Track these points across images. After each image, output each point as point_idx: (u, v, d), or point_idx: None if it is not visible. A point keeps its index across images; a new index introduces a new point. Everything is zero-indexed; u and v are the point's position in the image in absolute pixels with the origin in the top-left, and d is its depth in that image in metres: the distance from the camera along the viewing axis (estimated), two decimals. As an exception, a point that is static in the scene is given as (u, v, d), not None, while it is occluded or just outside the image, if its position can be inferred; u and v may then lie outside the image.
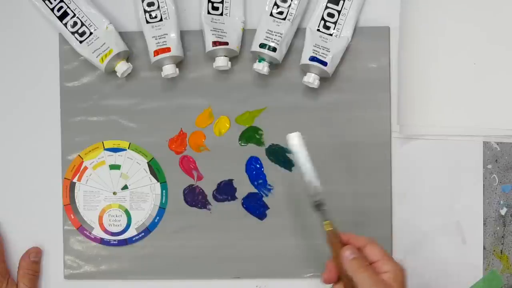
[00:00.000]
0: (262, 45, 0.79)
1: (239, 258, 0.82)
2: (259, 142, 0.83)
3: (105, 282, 0.83)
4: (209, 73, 0.83)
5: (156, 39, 0.79)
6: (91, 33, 0.80)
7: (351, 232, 0.80)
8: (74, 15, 0.81)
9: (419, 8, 0.82)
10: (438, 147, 0.82)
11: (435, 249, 0.82)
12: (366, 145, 0.82)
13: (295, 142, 0.74)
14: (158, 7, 0.80)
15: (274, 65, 0.81)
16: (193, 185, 0.83)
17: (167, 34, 0.79)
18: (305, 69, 0.81)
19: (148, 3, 0.80)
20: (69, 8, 0.81)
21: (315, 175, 0.74)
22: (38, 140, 0.84)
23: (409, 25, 0.82)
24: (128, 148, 0.83)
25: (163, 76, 0.80)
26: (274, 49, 0.79)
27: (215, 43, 0.79)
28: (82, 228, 0.83)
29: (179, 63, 0.82)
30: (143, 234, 0.83)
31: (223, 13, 0.82)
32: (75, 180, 0.84)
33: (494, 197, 0.82)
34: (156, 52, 0.79)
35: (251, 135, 0.83)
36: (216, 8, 0.81)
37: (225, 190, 0.83)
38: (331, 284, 0.73)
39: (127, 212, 0.83)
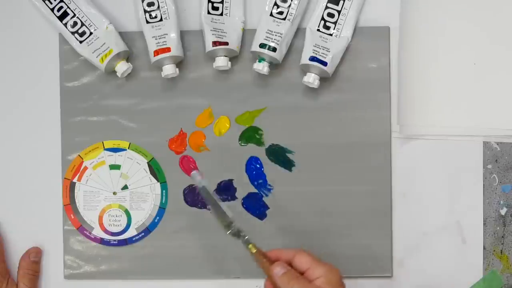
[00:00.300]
0: (262, 45, 0.79)
1: (239, 258, 0.82)
2: (259, 142, 0.83)
3: (105, 282, 0.83)
4: (209, 73, 0.83)
5: (156, 39, 0.79)
6: (91, 33, 0.80)
7: (351, 232, 0.81)
8: (74, 15, 0.81)
9: (419, 8, 0.82)
10: (438, 147, 0.82)
11: (435, 249, 0.82)
12: (366, 145, 0.82)
13: (198, 179, 0.74)
14: (158, 7, 0.80)
15: (274, 65, 0.81)
16: (193, 185, 0.83)
17: (167, 34, 0.79)
18: (305, 69, 0.81)
19: (148, 3, 0.80)
20: (69, 8, 0.81)
21: (225, 206, 0.74)
22: (38, 140, 0.84)
23: (409, 25, 0.82)
24: (128, 148, 0.83)
25: (163, 76, 0.80)
26: (274, 49, 0.79)
27: (215, 43, 0.79)
28: (82, 228, 0.83)
29: (179, 63, 0.82)
30: (143, 234, 0.83)
31: (223, 13, 0.82)
32: (75, 180, 0.84)
33: (494, 197, 0.82)
34: (156, 52, 0.79)
35: (251, 135, 0.83)
36: (216, 8, 0.81)
37: (225, 190, 0.83)
38: None
39: (127, 212, 0.83)
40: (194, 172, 0.75)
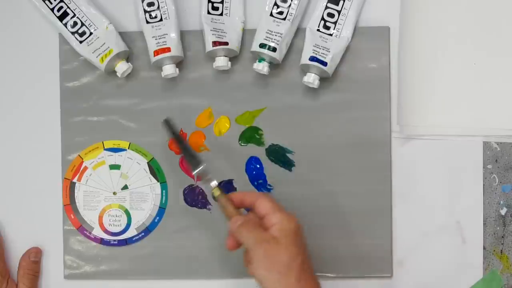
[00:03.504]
0: (262, 45, 0.79)
1: (239, 258, 0.82)
2: (259, 142, 0.83)
3: (105, 282, 0.83)
4: (209, 73, 0.83)
5: (156, 39, 0.79)
6: (91, 33, 0.80)
7: (351, 232, 0.81)
8: (74, 15, 0.81)
9: (419, 8, 0.82)
10: (438, 147, 0.82)
11: (435, 249, 0.82)
12: (366, 145, 0.82)
13: (170, 124, 0.77)
14: (158, 7, 0.80)
15: (274, 65, 0.81)
16: (193, 185, 0.83)
17: (167, 34, 0.79)
18: (305, 69, 0.81)
19: (148, 3, 0.80)
20: (69, 8, 0.81)
21: (192, 149, 0.76)
22: (38, 140, 0.84)
23: (409, 25, 0.82)
24: (128, 148, 0.83)
25: (163, 76, 0.80)
26: (274, 49, 0.79)
27: (215, 43, 0.79)
28: (82, 228, 0.83)
29: (179, 63, 0.82)
30: (143, 234, 0.83)
31: (223, 13, 0.82)
32: (75, 180, 0.84)
33: (494, 197, 0.82)
34: (156, 52, 0.79)
35: (251, 135, 0.83)
36: (216, 8, 0.81)
37: (225, 190, 0.83)
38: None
39: (127, 212, 0.83)
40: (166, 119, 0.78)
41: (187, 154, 0.76)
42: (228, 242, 0.72)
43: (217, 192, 0.73)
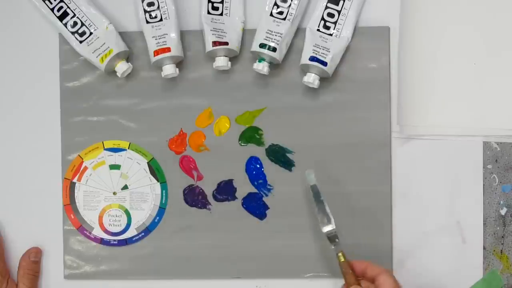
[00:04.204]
0: (262, 45, 0.79)
1: (239, 258, 0.82)
2: (259, 142, 0.83)
3: (105, 282, 0.83)
4: (209, 73, 0.83)
5: (156, 39, 0.79)
6: (91, 33, 0.80)
7: (352, 232, 0.81)
8: (74, 15, 0.81)
9: (419, 9, 0.82)
10: (438, 147, 0.82)
11: (435, 249, 0.82)
12: (366, 145, 0.82)
13: (313, 178, 0.78)
14: (158, 7, 0.80)
15: (274, 65, 0.81)
16: (193, 185, 0.83)
17: (167, 34, 0.79)
18: (305, 69, 0.81)
19: (148, 3, 0.80)
20: (69, 8, 0.81)
21: (329, 209, 0.77)
22: (38, 140, 0.84)
23: (409, 25, 0.82)
24: (128, 148, 0.83)
25: (163, 76, 0.80)
26: (274, 49, 0.79)
27: (215, 43, 0.79)
28: (82, 228, 0.83)
29: (179, 63, 0.82)
30: (143, 234, 0.83)
31: (223, 13, 0.82)
32: (75, 180, 0.84)
33: (494, 197, 0.82)
34: (156, 52, 0.79)
35: (251, 135, 0.83)
36: (216, 8, 0.82)
37: (225, 190, 0.83)
38: None
39: (127, 212, 0.83)
40: (308, 172, 0.78)
41: (322, 211, 0.77)
42: None
43: (341, 258, 0.75)
